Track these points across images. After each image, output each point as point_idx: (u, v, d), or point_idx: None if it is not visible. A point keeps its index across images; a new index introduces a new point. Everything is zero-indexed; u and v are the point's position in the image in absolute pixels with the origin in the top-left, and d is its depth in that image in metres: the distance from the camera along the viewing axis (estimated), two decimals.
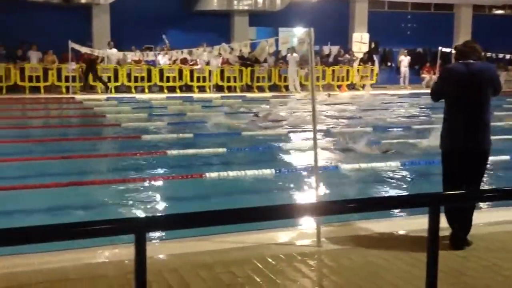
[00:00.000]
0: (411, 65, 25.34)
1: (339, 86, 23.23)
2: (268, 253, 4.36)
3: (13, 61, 19.32)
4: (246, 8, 23.84)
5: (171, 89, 21.01)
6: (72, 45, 18.71)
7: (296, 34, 24.22)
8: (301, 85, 22.09)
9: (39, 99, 17.79)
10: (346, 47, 25.58)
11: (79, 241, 4.06)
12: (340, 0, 26.06)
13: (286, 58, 22.38)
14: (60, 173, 7.50)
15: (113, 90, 20.25)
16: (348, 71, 23.55)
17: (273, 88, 22.34)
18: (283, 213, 2.22)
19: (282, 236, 4.87)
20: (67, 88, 19.57)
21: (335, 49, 24.70)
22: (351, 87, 23.57)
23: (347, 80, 23.59)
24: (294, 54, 21.06)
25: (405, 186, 7.43)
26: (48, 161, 8.09)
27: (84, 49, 19.45)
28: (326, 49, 25.07)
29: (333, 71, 23.33)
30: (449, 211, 4.56)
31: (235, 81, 21.98)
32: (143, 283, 1.65)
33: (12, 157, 8.24)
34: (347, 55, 24.20)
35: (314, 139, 4.84)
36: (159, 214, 4.86)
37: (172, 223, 1.81)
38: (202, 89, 21.42)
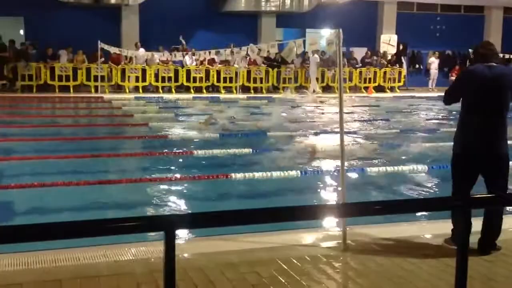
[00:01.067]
0: (440, 68, 25.04)
1: (366, 88, 23.06)
2: (293, 254, 4.36)
3: (43, 61, 19.68)
4: (273, 9, 23.85)
5: (198, 90, 21.15)
6: (101, 45, 18.99)
7: (324, 36, 24.17)
8: (328, 87, 22.02)
9: (68, 98, 18.08)
10: (374, 49, 25.39)
11: (103, 238, 4.15)
12: (368, 2, 25.88)
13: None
14: (89, 171, 7.61)
15: (140, 90, 20.48)
16: (375, 73, 23.37)
17: (300, 89, 22.29)
18: (308, 214, 2.22)
19: (307, 237, 4.86)
20: (96, 87, 19.85)
21: (362, 50, 24.53)
22: (378, 89, 23.37)
23: (374, 82, 23.41)
24: (315, 55, 20.94)
25: (433, 189, 7.35)
26: (78, 159, 8.23)
27: (113, 49, 19.74)
28: (353, 51, 24.94)
29: (360, 72, 23.18)
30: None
31: (261, 82, 22.01)
32: (172, 279, 1.67)
33: (42, 155, 8.38)
34: (375, 57, 24.03)
35: (341, 140, 4.81)
36: (187, 212, 4.89)
37: (201, 221, 1.83)
38: (228, 90, 21.50)
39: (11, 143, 9.75)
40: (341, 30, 4.79)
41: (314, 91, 21.51)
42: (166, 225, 1.70)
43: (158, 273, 3.92)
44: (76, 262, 4.07)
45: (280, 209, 1.98)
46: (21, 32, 22.62)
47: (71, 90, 19.63)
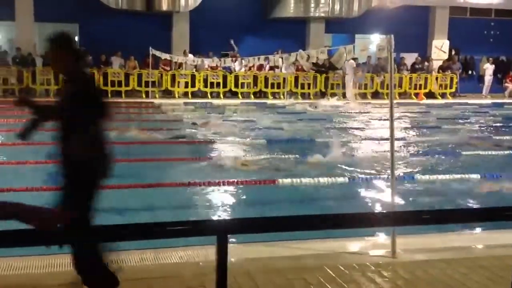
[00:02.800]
0: (493, 74, 24.36)
1: (416, 94, 22.67)
2: (341, 262, 4.33)
3: (97, 67, 20.26)
4: (322, 14, 23.77)
5: (246, 95, 21.29)
6: (152, 51, 19.40)
7: (374, 41, 23.92)
8: (377, 93, 21.72)
9: (120, 103, 18.47)
10: (425, 55, 24.94)
11: (152, 241, 4.22)
12: (420, 7, 25.43)
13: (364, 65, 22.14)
14: (139, 175, 7.76)
15: (190, 95, 20.79)
16: (426, 79, 22.94)
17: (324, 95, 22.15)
18: (359, 222, 2.20)
19: (356, 245, 4.82)
20: (147, 92, 20.26)
21: (412, 56, 24.13)
22: (429, 95, 22.91)
23: (425, 88, 22.97)
24: (351, 61, 20.66)
25: (486, 198, 7.15)
26: (128, 163, 8.40)
27: (164, 56, 20.13)
28: (404, 56, 24.58)
29: (410, 78, 22.80)
30: None
31: (309, 88, 21.96)
32: (224, 284, 1.70)
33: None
34: (426, 63, 23.59)
35: (392, 147, 4.75)
36: (240, 217, 4.92)
37: (253, 226, 1.85)
38: (276, 96, 21.55)
39: None
40: (392, 36, 4.74)
41: (350, 97, 21.30)
42: (219, 229, 1.73)
43: (205, 277, 3.96)
44: (125, 264, 4.15)
45: (331, 216, 1.97)
46: (76, 38, 23.35)
47: (123, 95, 20.11)
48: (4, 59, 19.93)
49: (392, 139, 4.76)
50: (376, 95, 22.46)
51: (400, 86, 22.29)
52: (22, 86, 19.66)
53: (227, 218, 5.66)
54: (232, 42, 21.72)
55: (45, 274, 3.99)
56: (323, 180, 7.59)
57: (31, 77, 19.72)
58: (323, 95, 21.83)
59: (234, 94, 21.47)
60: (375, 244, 4.80)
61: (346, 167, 8.76)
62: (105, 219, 4.96)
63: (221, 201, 6.74)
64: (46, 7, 20.78)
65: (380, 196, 7.08)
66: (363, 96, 22.21)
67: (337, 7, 23.57)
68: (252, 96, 21.22)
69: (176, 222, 1.76)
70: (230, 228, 1.83)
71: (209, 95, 21.08)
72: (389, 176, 4.89)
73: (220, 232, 1.69)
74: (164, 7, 22.11)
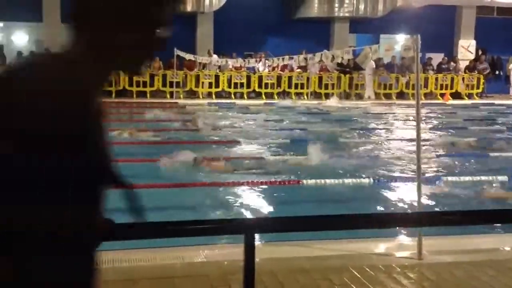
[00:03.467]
0: None
1: (442, 95, 22.40)
2: (366, 263, 4.31)
3: None
4: (347, 14, 23.67)
5: (269, 96, 21.30)
6: (177, 52, 19.53)
7: (399, 41, 23.69)
8: (402, 93, 21.53)
9: (145, 103, 18.65)
10: (451, 55, 24.64)
11: (177, 239, 4.25)
12: (446, 6, 25.16)
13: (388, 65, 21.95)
14: (164, 175, 7.82)
15: (213, 96, 20.88)
16: (452, 79, 22.65)
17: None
18: (383, 222, 2.19)
19: (381, 246, 4.79)
20: (171, 93, 20.41)
21: (438, 56, 23.86)
22: (455, 96, 22.63)
23: (451, 88, 22.68)
24: (371, 61, 20.47)
25: None
26: (153, 163, 8.48)
27: (188, 56, 20.26)
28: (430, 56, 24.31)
29: (436, 79, 22.54)
30: None
31: (333, 88, 21.87)
32: (251, 283, 1.70)
33: (123, 158, 8.67)
34: (453, 63, 23.29)
35: (418, 148, 4.71)
36: (268, 216, 4.90)
37: (281, 225, 1.85)
38: (299, 96, 21.52)
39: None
40: (419, 36, 4.70)
41: (369, 97, 21.16)
42: (246, 228, 1.73)
43: (231, 276, 3.98)
44: (151, 263, 4.20)
45: (357, 216, 1.97)
46: None
47: (148, 96, 20.28)
48: None
49: (418, 139, 4.72)
50: (401, 95, 22.26)
51: (426, 86, 22.06)
52: None
53: (253, 217, 5.65)
54: (268, 52, 21.66)
55: None
56: (348, 180, 7.56)
57: None
58: (347, 95, 21.72)
59: (258, 95, 21.50)
60: (401, 245, 4.76)
61: (371, 168, 8.70)
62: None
63: (245, 201, 6.75)
64: None
65: (406, 197, 7.02)
66: (388, 96, 22.02)
67: (361, 7, 23.45)
68: (276, 96, 21.21)
69: (204, 221, 1.78)
70: (258, 227, 1.84)
71: (232, 95, 21.14)
72: (415, 177, 4.84)
73: (247, 231, 1.70)
74: (189, 7, 22.27)
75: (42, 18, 21.46)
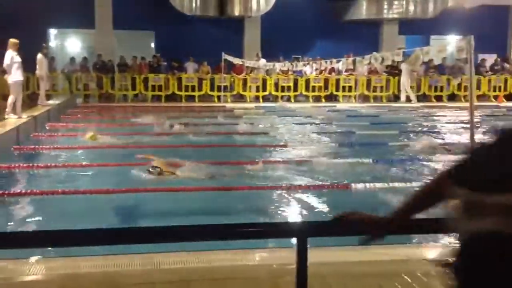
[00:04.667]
0: None
1: (495, 97, 21.76)
2: (419, 269, 4.21)
3: (171, 72, 20.83)
4: (396, 16, 23.32)
5: (317, 99, 21.21)
6: (225, 56, 19.71)
7: (450, 42, 23.14)
8: (454, 95, 21.00)
9: (193, 107, 18.90)
10: (504, 56, 23.90)
11: (228, 242, 4.26)
12: (498, 6, 24.44)
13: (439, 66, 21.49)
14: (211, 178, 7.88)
15: (261, 99, 20.95)
16: (506, 80, 21.97)
17: (422, 98, 21.59)
18: (438, 227, 2.14)
19: (434, 252, 4.68)
20: (219, 97, 20.60)
21: (491, 57, 23.19)
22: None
23: (505, 90, 22.00)
24: (407, 63, 20.00)
25: None
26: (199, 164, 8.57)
27: (236, 60, 20.42)
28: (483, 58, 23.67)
29: (489, 80, 21.91)
30: None
31: (381, 91, 21.58)
32: (304, 286, 1.70)
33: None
34: (506, 64, 22.59)
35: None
36: (320, 221, 4.86)
37: (335, 229, 1.84)
38: (347, 99, 21.35)
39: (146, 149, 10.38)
40: (472, 37, 4.59)
41: (407, 98, 20.71)
42: (300, 232, 1.73)
43: (280, 279, 3.97)
44: (203, 265, 4.24)
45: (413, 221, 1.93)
46: (152, 45, 24.13)
47: (196, 100, 20.54)
48: (85, 66, 20.87)
49: (472, 141, 4.60)
50: (452, 97, 21.75)
51: (479, 88, 21.47)
52: (101, 91, 20.52)
53: (306, 221, 5.62)
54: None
55: (124, 272, 4.13)
56: (398, 185, 7.43)
57: (110, 83, 20.53)
58: (396, 98, 21.39)
59: (305, 98, 21.46)
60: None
61: (421, 172, 8.53)
62: (186, 221, 5.06)
63: (293, 206, 6.73)
64: (124, 16, 21.61)
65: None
66: (439, 98, 21.56)
67: (411, 8, 23.05)
68: (323, 99, 21.10)
69: (257, 224, 1.78)
70: (311, 231, 1.83)
71: (280, 99, 21.16)
72: None
73: (300, 235, 1.69)
74: (236, 12, 22.44)
75: (95, 25, 22.07)
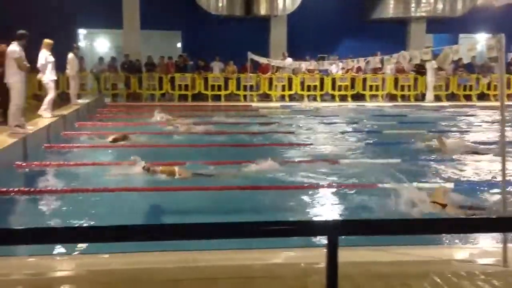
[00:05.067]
0: None
1: None
2: (448, 269, 4.18)
3: (198, 72, 20.96)
4: (424, 14, 23.06)
5: (343, 98, 21.11)
6: (251, 56, 19.75)
7: (479, 41, 22.77)
8: (483, 94, 20.68)
9: (220, 106, 18.98)
10: None
11: (256, 241, 4.28)
12: None
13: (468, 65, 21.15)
14: (239, 177, 7.93)
15: (287, 99, 20.94)
16: None
17: (451, 97, 21.31)
18: (467, 227, 2.13)
19: (463, 252, 4.64)
20: (245, 96, 20.65)
21: None
22: None
23: None
24: (432, 62, 19.62)
25: None
26: (227, 165, 8.63)
27: (262, 60, 20.44)
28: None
29: None
30: None
31: (409, 90, 21.37)
32: (335, 285, 1.71)
33: (199, 160, 8.89)
34: None
35: (503, 150, 4.53)
36: (351, 219, 4.81)
37: (366, 228, 1.84)
38: (374, 98, 21.19)
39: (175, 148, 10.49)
40: (503, 35, 4.52)
41: (430, 98, 20.43)
42: (330, 230, 1.74)
43: (308, 278, 3.99)
44: (231, 263, 4.27)
45: (443, 220, 1.93)
46: (178, 45, 24.32)
47: (222, 99, 20.63)
48: (113, 65, 21.13)
49: (503, 142, 4.53)
50: (482, 96, 21.41)
51: (509, 87, 21.09)
52: (129, 91, 20.76)
53: (337, 219, 5.60)
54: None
55: (153, 269, 4.18)
56: (426, 185, 7.37)
57: (138, 82, 20.75)
58: (424, 97, 21.14)
59: (331, 98, 21.37)
60: (484, 252, 4.59)
61: (451, 172, 8.44)
62: (215, 219, 5.10)
63: (320, 205, 6.71)
64: (151, 16, 21.82)
65: (489, 201, 6.74)
66: (468, 97, 21.24)
67: (439, 6, 22.77)
68: (350, 98, 20.98)
69: (288, 222, 1.80)
70: (342, 229, 1.84)
71: (305, 98, 21.11)
72: (500, 181, 4.66)
73: (331, 233, 1.70)
74: (263, 11, 22.47)
75: (122, 25, 22.34)
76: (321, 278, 3.99)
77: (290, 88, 21.16)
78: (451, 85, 21.40)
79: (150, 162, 8.05)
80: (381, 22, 23.68)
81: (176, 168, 7.83)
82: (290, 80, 21.12)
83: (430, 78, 20.48)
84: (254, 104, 19.50)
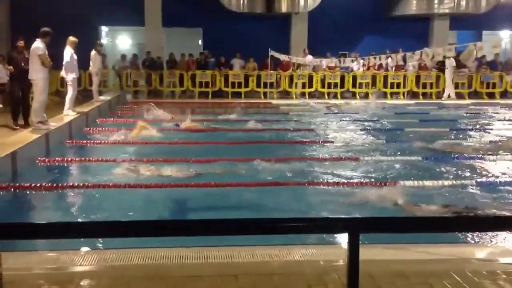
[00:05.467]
0: None
1: None
2: (468, 268, 4.14)
3: (218, 69, 21.00)
4: (447, 11, 22.78)
5: (364, 95, 20.97)
6: (271, 52, 19.72)
7: (504, 38, 22.48)
8: (506, 92, 20.37)
9: (240, 104, 18.97)
10: None
11: (275, 237, 4.29)
12: None
13: (493, 63, 20.87)
14: (255, 174, 7.93)
15: (307, 96, 20.87)
16: None
17: (473, 95, 21.03)
18: (492, 225, 2.11)
19: (483, 251, 4.59)
20: (265, 93, 20.63)
21: None
22: None
23: None
24: (451, 59, 19.28)
25: None
26: (248, 162, 8.64)
27: (282, 57, 20.40)
28: None
29: None
30: None
31: (431, 87, 21.14)
32: (355, 282, 1.70)
33: (219, 157, 8.92)
34: None
35: None
36: (372, 216, 4.79)
37: (387, 225, 1.83)
38: (396, 96, 21.02)
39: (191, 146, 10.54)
40: None
41: (449, 96, 20.12)
42: (351, 227, 1.73)
43: (327, 276, 3.98)
44: (251, 259, 4.28)
45: (467, 218, 1.90)
46: (200, 42, 24.39)
47: (242, 96, 20.64)
48: (134, 62, 21.28)
49: None
50: (504, 94, 21.11)
51: None
52: (150, 88, 20.90)
53: (358, 216, 5.57)
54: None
55: (173, 265, 4.21)
56: (447, 182, 7.31)
57: (159, 79, 20.87)
58: (447, 95, 20.90)
59: (352, 95, 21.25)
60: (506, 251, 4.54)
61: (472, 170, 8.35)
62: (235, 215, 5.11)
63: (340, 202, 6.67)
64: (173, 13, 21.93)
65: (508, 199, 6.66)
66: (491, 95, 20.94)
67: (463, 2, 22.46)
68: (370, 96, 20.83)
69: (308, 219, 1.80)
70: (363, 226, 1.83)
71: (326, 95, 21.03)
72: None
73: (353, 230, 1.69)
74: (284, 8, 22.41)
75: (144, 22, 22.49)
76: (340, 276, 4.00)
77: (310, 86, 21.08)
78: (474, 83, 21.10)
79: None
80: (403, 19, 23.46)
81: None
82: (310, 78, 21.04)
83: (449, 75, 20.17)
84: (274, 102, 19.46)
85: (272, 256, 4.32)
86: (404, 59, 16.22)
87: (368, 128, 12.99)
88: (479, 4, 22.57)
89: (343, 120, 14.47)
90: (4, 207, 6.46)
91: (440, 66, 20.81)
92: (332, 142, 10.86)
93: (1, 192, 6.84)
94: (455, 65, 19.91)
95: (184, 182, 7.35)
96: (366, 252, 4.45)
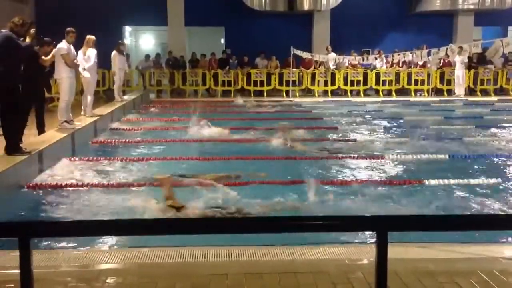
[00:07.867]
0: None
1: None
2: (496, 267, 4.09)
3: (241, 67, 21.04)
4: (471, 7, 22.47)
5: (387, 93, 20.80)
6: (294, 50, 19.67)
7: None
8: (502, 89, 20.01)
9: (262, 102, 18.96)
10: None
11: (299, 236, 4.28)
12: None
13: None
14: (280, 171, 7.93)
15: (329, 94, 20.78)
16: None
17: (498, 91, 20.69)
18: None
19: (511, 250, 4.52)
20: (287, 91, 20.60)
21: None
22: None
23: None
24: (461, 56, 18.80)
25: None
26: (272, 160, 8.65)
27: (305, 55, 20.34)
28: None
29: None
30: None
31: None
32: (384, 281, 1.69)
33: (238, 156, 8.93)
34: None
35: None
36: (401, 215, 4.73)
37: (415, 224, 1.82)
38: (420, 93, 20.80)
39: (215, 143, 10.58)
40: None
41: (459, 95, 19.74)
42: (380, 226, 1.73)
43: (352, 275, 3.96)
44: (275, 258, 4.29)
45: (499, 217, 1.88)
46: (222, 41, 24.46)
47: (265, 94, 20.63)
48: (158, 62, 21.44)
49: None
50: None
51: None
52: (173, 87, 21.03)
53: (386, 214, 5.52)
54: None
55: (199, 263, 4.24)
56: (473, 181, 7.22)
57: (182, 78, 20.99)
58: (471, 92, 20.61)
59: (376, 92, 21.10)
60: None
61: (498, 169, 8.23)
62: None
63: (365, 201, 6.63)
64: (195, 13, 22.04)
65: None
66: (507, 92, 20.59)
67: None
68: (394, 93, 20.65)
69: (336, 217, 1.79)
70: (391, 224, 1.82)
71: (349, 93, 20.91)
72: None
73: (380, 229, 1.69)
74: (306, 6, 22.35)
75: (167, 22, 22.63)
76: (366, 275, 3.98)
77: (333, 83, 20.98)
78: (499, 80, 20.75)
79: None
80: (426, 15, 23.20)
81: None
82: (333, 75, 20.94)
83: (460, 72, 19.67)
84: (296, 100, 19.42)
85: (297, 255, 4.32)
86: (429, 55, 15.99)
87: (394, 126, 12.85)
88: (504, 0, 22.22)
89: (367, 117, 14.36)
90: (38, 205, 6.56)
91: (471, 63, 20.27)
92: (355, 140, 10.78)
93: (35, 191, 6.96)
94: (467, 61, 19.51)
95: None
96: (392, 251, 4.44)
